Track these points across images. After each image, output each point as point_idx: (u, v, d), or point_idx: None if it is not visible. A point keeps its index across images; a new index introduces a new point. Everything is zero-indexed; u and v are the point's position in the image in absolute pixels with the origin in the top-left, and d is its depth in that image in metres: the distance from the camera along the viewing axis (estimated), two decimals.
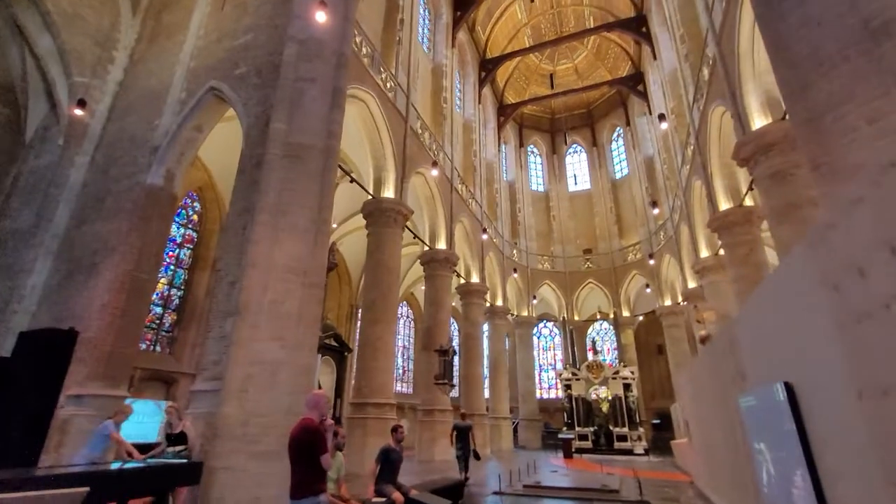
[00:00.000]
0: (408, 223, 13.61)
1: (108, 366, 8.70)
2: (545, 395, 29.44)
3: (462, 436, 9.11)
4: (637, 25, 22.37)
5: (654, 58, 21.40)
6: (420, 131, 15.46)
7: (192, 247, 15.03)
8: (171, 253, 14.13)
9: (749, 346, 3.90)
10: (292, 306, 7.06)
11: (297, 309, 7.08)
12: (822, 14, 5.55)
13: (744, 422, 3.99)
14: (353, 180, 12.04)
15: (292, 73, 8.59)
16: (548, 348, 32.35)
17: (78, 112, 10.20)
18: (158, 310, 13.54)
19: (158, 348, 13.63)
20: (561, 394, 30.38)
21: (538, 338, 31.46)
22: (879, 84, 4.95)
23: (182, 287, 14.54)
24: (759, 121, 9.90)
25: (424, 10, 19.70)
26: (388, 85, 13.51)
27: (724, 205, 13.45)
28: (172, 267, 14.31)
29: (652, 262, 21.33)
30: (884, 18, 5.04)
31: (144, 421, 11.55)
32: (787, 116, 9.52)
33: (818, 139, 5.45)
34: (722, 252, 16.30)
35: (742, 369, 4.12)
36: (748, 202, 12.92)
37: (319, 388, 10.90)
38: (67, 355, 8.71)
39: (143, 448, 10.13)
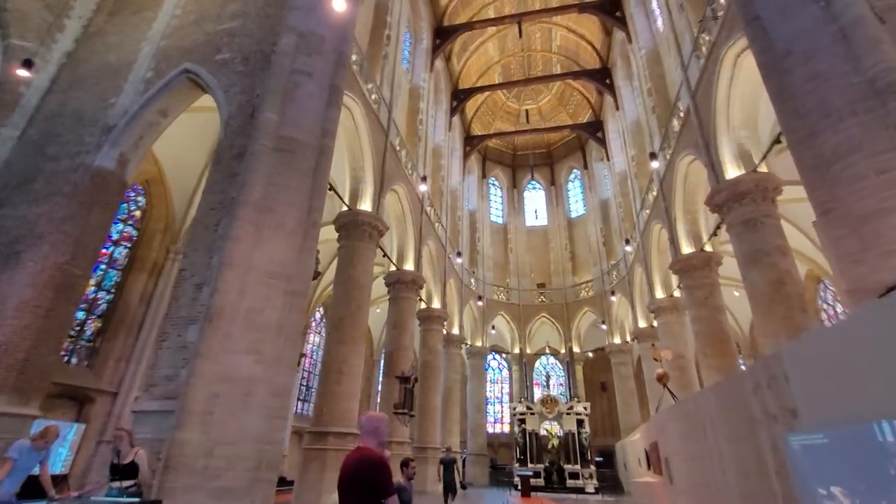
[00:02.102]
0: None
1: (19, 377, 7.11)
2: (491, 430, 28.84)
3: (448, 468, 9.55)
4: (602, 77, 23.88)
5: (617, 108, 22.83)
6: (398, 148, 15.07)
7: (129, 245, 13.27)
8: (104, 251, 12.34)
9: (807, 381, 3.76)
10: (272, 316, 6.18)
11: (278, 319, 6.21)
12: (829, 71, 5.96)
13: (794, 463, 3.81)
14: (330, 188, 11.28)
15: (288, 65, 7.94)
16: (495, 381, 32.03)
17: (22, 73, 8.74)
18: (80, 315, 11.61)
19: (74, 360, 11.61)
20: (506, 429, 30.18)
21: (487, 370, 31.12)
22: (887, 138, 5.30)
23: (112, 291, 12.68)
24: (732, 171, 10.54)
25: (406, 33, 19.73)
26: (373, 97, 13.10)
27: (686, 248, 14.14)
28: (104, 266, 12.47)
29: (614, 298, 22.00)
30: (888, 80, 5.47)
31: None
32: (759, 168, 10.28)
33: (826, 185, 5.72)
34: (677, 293, 17.18)
35: (791, 406, 3.98)
36: (708, 248, 13.71)
37: None
38: None
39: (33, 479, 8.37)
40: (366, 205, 12.30)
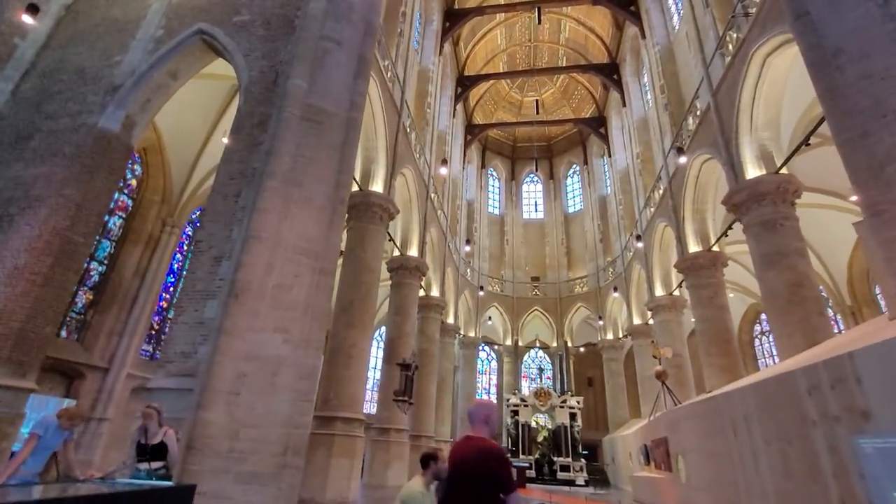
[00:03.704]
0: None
1: (14, 348, 6.62)
2: None
3: None
4: (610, 72, 23.70)
5: (624, 104, 22.72)
6: (409, 130, 14.66)
7: (124, 216, 12.62)
8: None
9: (886, 383, 3.65)
10: (300, 294, 5.84)
11: (306, 298, 5.87)
12: (886, 71, 5.85)
13: (867, 466, 3.72)
14: None
15: (317, 30, 7.49)
16: (483, 372, 32.06)
17: (26, 19, 8.05)
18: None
19: (64, 333, 11.02)
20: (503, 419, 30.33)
21: (476, 361, 31.10)
22: None
23: (105, 262, 12.05)
24: (752, 171, 10.49)
25: (417, 13, 19.16)
26: (388, 75, 12.64)
27: (693, 247, 14.16)
28: (97, 237, 11.82)
29: (616, 294, 22.02)
30: None
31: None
32: (781, 170, 10.25)
33: (879, 187, 5.63)
34: (677, 292, 17.30)
35: (862, 408, 3.89)
36: (715, 248, 13.76)
37: None
38: None
39: None
40: (377, 186, 11.92)
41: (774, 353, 22.65)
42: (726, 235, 12.70)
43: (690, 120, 14.00)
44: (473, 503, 2.11)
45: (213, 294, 5.99)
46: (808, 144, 9.09)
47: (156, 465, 3.96)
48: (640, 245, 17.37)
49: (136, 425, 4.39)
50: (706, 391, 12.63)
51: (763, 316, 23.42)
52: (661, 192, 16.97)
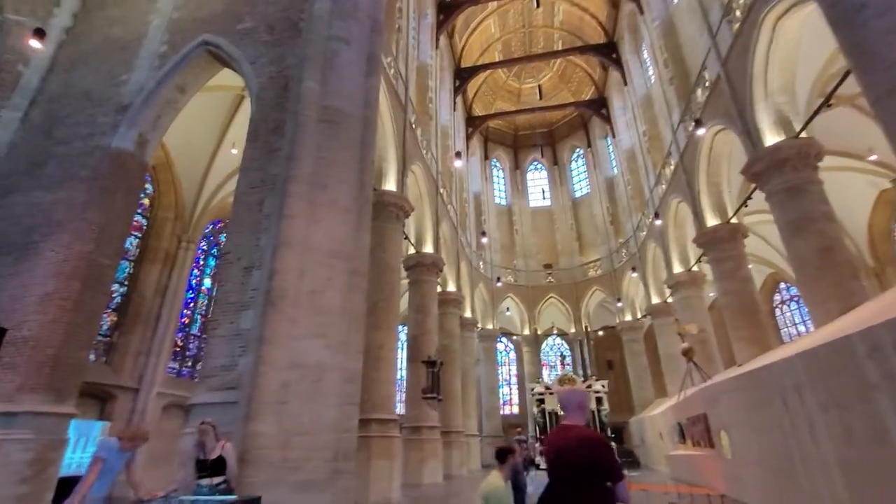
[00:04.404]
0: None
1: (52, 374, 6.62)
2: (502, 412, 28.92)
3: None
4: (608, 51, 23.40)
5: (625, 83, 22.44)
6: (414, 126, 14.54)
7: (140, 235, 12.63)
8: None
9: None
10: (335, 298, 5.78)
11: (341, 301, 5.81)
12: None
13: None
14: None
15: (325, 31, 7.40)
16: (502, 363, 32.04)
17: (34, 44, 8.00)
18: None
19: (92, 356, 11.05)
20: (516, 410, 30.30)
21: (496, 353, 31.09)
22: None
23: (126, 283, 12.08)
24: (770, 138, 10.29)
25: (412, 8, 18.98)
26: (391, 71, 12.52)
27: (711, 221, 13.97)
28: None
29: (635, 274, 21.83)
30: None
31: (87, 448, 9.16)
32: (801, 134, 10.04)
33: None
34: (696, 268, 17.12)
35: None
36: (734, 220, 13.55)
37: None
38: None
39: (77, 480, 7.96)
40: (390, 185, 11.84)
41: (797, 322, 22.44)
42: (746, 206, 12.50)
43: (699, 92, 13.78)
44: (580, 495, 2.02)
45: (248, 305, 5.93)
46: (829, 105, 8.88)
47: (217, 479, 3.92)
48: (658, 222, 17.16)
49: (192, 442, 4.36)
50: (736, 365, 12.50)
51: (782, 285, 23.21)
52: (672, 167, 16.76)
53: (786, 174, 9.86)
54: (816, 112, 9.19)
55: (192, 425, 5.40)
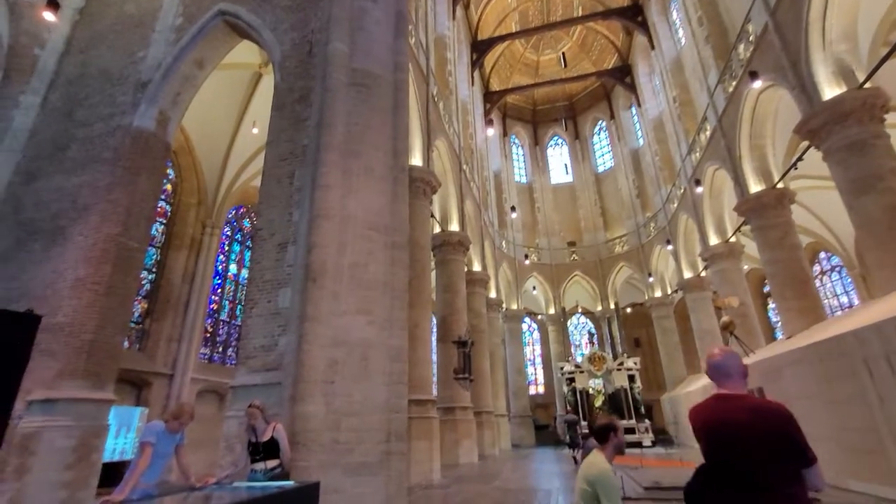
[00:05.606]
0: None
1: (90, 360, 6.46)
2: (529, 392, 28.72)
3: (572, 427, 11.50)
4: (633, 14, 22.20)
5: (652, 47, 21.30)
6: (436, 100, 13.97)
7: (164, 222, 12.48)
8: None
9: None
10: (377, 272, 5.42)
11: (384, 275, 5.45)
12: None
13: None
14: None
15: None
16: (527, 343, 31.71)
17: (48, 16, 7.69)
18: None
19: (126, 343, 11.02)
20: (542, 389, 30.05)
21: (521, 333, 30.77)
22: None
23: (154, 270, 11.98)
24: (829, 91, 9.45)
25: None
26: (413, 40, 11.92)
27: (754, 187, 13.16)
28: None
29: (671, 247, 21.01)
30: None
31: (128, 435, 9.15)
32: (864, 85, 9.19)
33: None
34: (733, 239, 16.33)
35: None
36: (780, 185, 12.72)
37: None
38: (25, 347, 6.36)
39: (121, 466, 7.87)
40: (416, 160, 11.38)
41: (838, 293, 21.43)
42: (796, 168, 11.67)
43: (741, 48, 12.83)
44: (758, 481, 1.55)
45: (285, 282, 5.62)
46: None
47: (271, 463, 3.63)
48: (699, 189, 16.30)
49: (236, 425, 4.07)
50: (785, 337, 11.86)
51: (822, 255, 22.14)
52: (708, 133, 15.85)
53: (848, 129, 9.06)
54: (887, 57, 8.31)
55: (234, 408, 5.16)
